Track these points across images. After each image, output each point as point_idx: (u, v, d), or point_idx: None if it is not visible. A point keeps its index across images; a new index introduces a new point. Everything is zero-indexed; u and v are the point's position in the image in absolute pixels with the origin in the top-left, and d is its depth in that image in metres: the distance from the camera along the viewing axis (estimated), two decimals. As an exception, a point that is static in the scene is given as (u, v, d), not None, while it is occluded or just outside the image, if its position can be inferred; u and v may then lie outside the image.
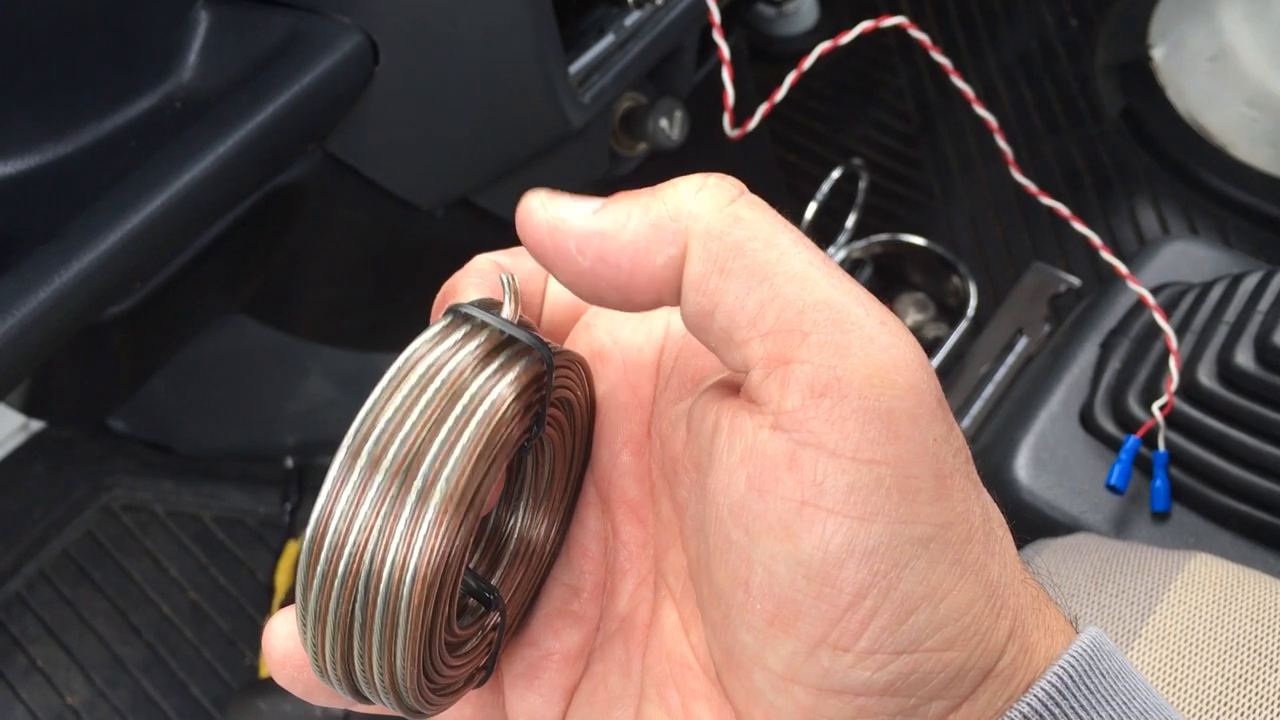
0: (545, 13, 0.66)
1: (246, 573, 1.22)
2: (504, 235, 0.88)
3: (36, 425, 1.30)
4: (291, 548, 1.22)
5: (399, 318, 1.06)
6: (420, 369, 0.26)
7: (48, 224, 0.58)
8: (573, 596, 0.32)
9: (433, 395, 0.26)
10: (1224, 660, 0.57)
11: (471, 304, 0.28)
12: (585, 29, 0.75)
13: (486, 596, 0.30)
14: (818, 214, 1.38)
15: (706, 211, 0.26)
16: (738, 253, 0.26)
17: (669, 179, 0.28)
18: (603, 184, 0.88)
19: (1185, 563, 0.63)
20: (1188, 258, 0.91)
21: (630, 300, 0.27)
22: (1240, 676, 0.56)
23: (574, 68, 0.72)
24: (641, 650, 0.31)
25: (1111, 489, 0.76)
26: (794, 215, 1.36)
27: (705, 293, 0.26)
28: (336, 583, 0.25)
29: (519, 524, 0.32)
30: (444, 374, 0.26)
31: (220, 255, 0.77)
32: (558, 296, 0.32)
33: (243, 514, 1.25)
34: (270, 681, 1.06)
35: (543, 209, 0.27)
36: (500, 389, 0.26)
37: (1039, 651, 0.26)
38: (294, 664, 0.29)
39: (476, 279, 0.30)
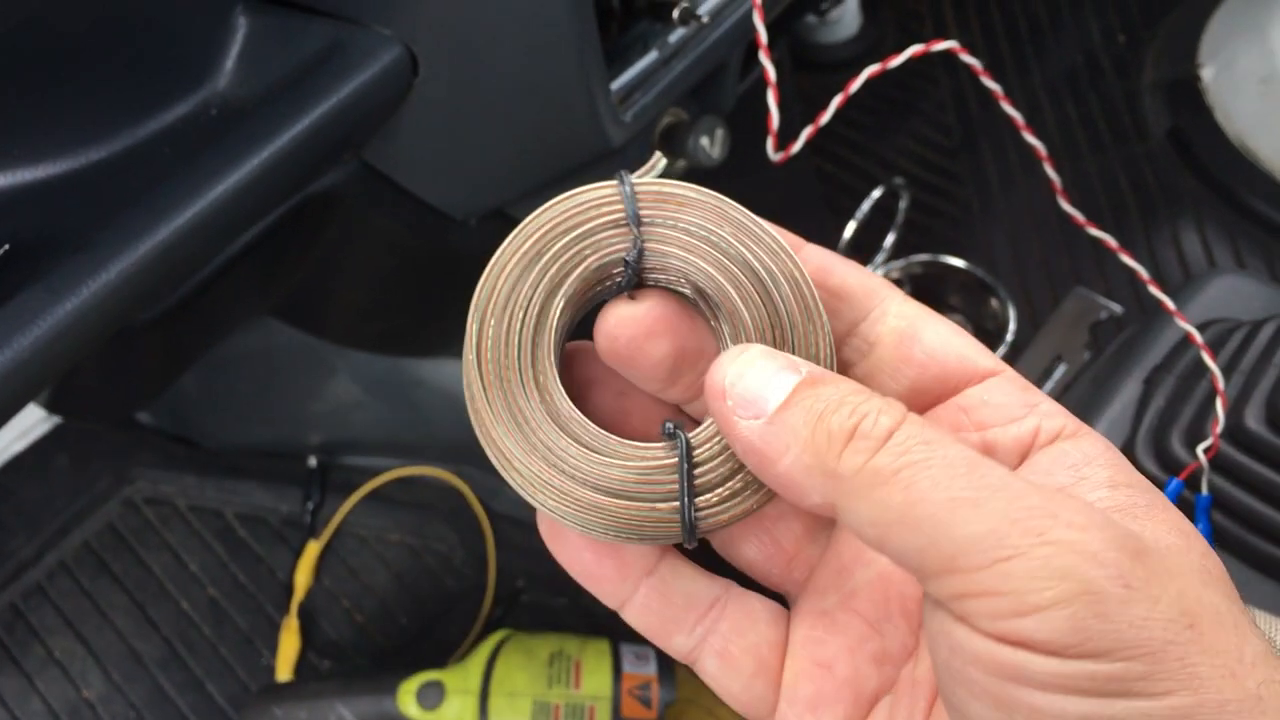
0: (589, 29, 0.65)
1: (266, 571, 1.22)
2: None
3: (62, 414, 1.30)
4: (312, 548, 1.22)
5: (428, 324, 1.05)
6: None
7: (80, 230, 0.57)
8: (873, 635, 0.34)
9: None
10: None
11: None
12: (627, 44, 0.74)
13: None
14: (856, 232, 1.36)
15: (849, 472, 0.28)
16: (885, 509, 0.27)
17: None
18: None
19: (1228, 617, 0.61)
20: (1237, 293, 0.89)
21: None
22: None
23: (616, 85, 0.71)
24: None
25: (1152, 532, 0.74)
26: (834, 232, 1.34)
27: (866, 539, 0.28)
28: None
29: None
30: None
31: (252, 261, 0.75)
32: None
33: (265, 511, 1.25)
34: (286, 687, 1.05)
35: (736, 381, 0.31)
36: None
37: None
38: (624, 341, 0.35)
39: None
